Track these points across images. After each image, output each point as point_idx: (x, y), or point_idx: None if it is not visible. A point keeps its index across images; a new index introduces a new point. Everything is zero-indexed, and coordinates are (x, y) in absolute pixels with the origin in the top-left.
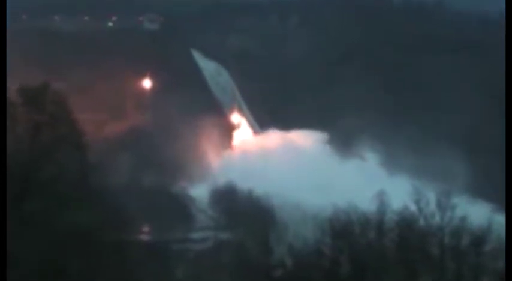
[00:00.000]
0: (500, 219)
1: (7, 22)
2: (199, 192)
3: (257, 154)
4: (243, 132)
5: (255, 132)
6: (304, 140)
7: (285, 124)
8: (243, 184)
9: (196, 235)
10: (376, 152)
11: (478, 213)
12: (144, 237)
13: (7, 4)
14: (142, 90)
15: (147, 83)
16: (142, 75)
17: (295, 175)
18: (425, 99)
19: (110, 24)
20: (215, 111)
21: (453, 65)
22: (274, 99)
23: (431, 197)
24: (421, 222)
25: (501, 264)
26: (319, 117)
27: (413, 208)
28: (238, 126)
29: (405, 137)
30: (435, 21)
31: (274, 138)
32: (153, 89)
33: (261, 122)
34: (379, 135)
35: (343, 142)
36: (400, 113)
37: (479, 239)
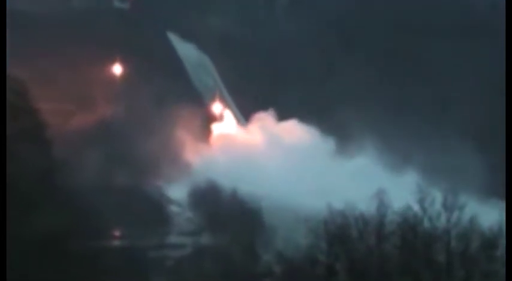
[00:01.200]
0: None
1: None
2: (178, 192)
3: (242, 149)
4: (226, 125)
5: (240, 125)
6: (296, 134)
7: (274, 116)
8: (227, 183)
9: (174, 241)
10: (376, 148)
11: (489, 213)
12: (117, 243)
13: None
14: (113, 78)
15: (117, 70)
16: (112, 61)
17: (285, 173)
18: (433, 89)
19: (75, 3)
20: (194, 101)
21: (464, 52)
22: (262, 89)
23: (436, 196)
24: (426, 224)
25: None
26: (313, 109)
27: (416, 208)
28: (221, 118)
29: (408, 131)
30: (443, 4)
31: (261, 131)
32: (125, 76)
33: (247, 113)
34: (379, 128)
35: (340, 136)
36: (403, 105)
37: (490, 243)
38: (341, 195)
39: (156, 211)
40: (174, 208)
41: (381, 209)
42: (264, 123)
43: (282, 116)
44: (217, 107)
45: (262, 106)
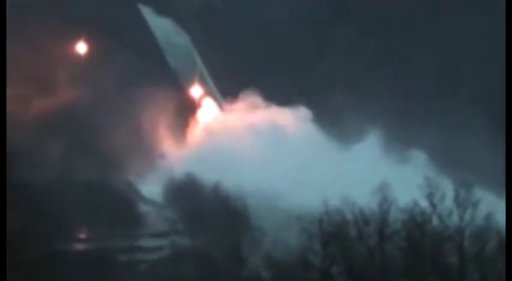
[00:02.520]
0: None
1: None
2: (152, 188)
3: (225, 138)
4: (207, 111)
5: (222, 111)
6: (287, 120)
7: (262, 101)
8: (208, 177)
9: (148, 242)
10: (377, 135)
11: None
12: (82, 246)
13: None
14: (76, 58)
15: (81, 48)
16: (76, 38)
17: (274, 166)
18: (442, 67)
19: None
20: (170, 84)
21: (475, 22)
22: (247, 70)
23: (447, 190)
24: (435, 222)
25: None
26: (306, 92)
27: (424, 204)
28: (200, 103)
29: (414, 114)
30: None
31: (247, 118)
32: (90, 56)
33: (230, 97)
34: (380, 112)
35: (336, 122)
36: (407, 84)
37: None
38: (338, 189)
39: (127, 210)
40: (147, 206)
41: (384, 205)
42: (250, 109)
43: (270, 101)
44: (196, 91)
45: (248, 90)
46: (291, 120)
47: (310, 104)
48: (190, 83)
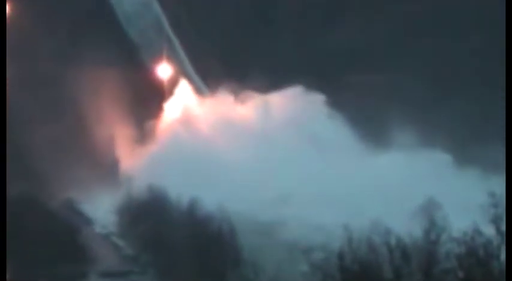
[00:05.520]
0: None
1: None
2: (102, 208)
3: (204, 137)
4: (180, 99)
5: (201, 96)
6: (286, 114)
7: (253, 86)
8: (180, 192)
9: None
10: (415, 132)
11: None
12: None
13: None
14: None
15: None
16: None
17: (271, 175)
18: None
19: None
20: (130, 63)
21: None
22: (235, 45)
23: None
24: (504, 257)
25: None
26: (312, 75)
27: (489, 231)
28: (172, 88)
29: (462, 105)
30: None
31: (235, 110)
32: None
33: (214, 82)
34: (415, 102)
35: (357, 113)
36: (449, 64)
37: None
38: (364, 209)
39: (67, 239)
40: (96, 234)
41: (431, 232)
42: (237, 97)
43: (262, 86)
44: (164, 70)
45: (235, 71)
46: (292, 113)
47: (319, 90)
48: (156, 61)
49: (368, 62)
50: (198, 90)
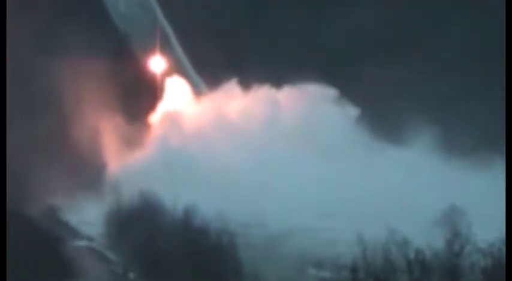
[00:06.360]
0: None
1: None
2: (88, 217)
3: (201, 137)
4: (174, 95)
5: (198, 93)
6: (293, 110)
7: (255, 78)
8: (174, 199)
9: None
10: (435, 131)
11: None
12: None
13: None
14: None
15: None
16: None
17: (276, 178)
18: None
19: None
20: (116, 53)
21: None
22: (235, 36)
23: None
24: None
25: None
26: (321, 68)
27: None
28: (165, 84)
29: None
30: None
31: (234, 105)
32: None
33: (211, 78)
34: (437, 93)
35: (369, 107)
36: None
37: None
38: (378, 218)
39: (48, 252)
40: (81, 246)
41: (454, 243)
42: (237, 94)
43: (265, 81)
44: (157, 65)
45: (234, 64)
46: (299, 112)
47: (330, 83)
48: (147, 51)
49: (385, 54)
50: (195, 87)
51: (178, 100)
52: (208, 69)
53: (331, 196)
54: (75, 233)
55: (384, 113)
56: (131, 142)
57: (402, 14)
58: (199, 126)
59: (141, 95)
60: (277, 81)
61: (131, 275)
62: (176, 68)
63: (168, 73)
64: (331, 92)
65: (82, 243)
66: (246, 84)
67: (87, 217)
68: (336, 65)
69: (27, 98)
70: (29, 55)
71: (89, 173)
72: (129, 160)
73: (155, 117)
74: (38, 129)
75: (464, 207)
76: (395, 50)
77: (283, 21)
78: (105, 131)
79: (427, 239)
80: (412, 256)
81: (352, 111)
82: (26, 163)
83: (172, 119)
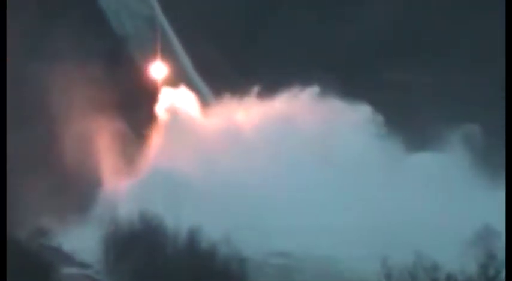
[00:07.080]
0: None
1: None
2: (82, 241)
3: (206, 150)
4: (177, 105)
5: (204, 103)
6: (305, 116)
7: (268, 87)
8: (177, 220)
9: None
10: (465, 137)
11: None
12: None
13: None
14: None
15: None
16: None
17: (288, 197)
18: None
19: None
20: (118, 62)
21: None
22: (245, 39)
23: None
24: None
25: None
26: (340, 75)
27: None
28: (167, 92)
29: None
30: None
31: (243, 117)
32: None
33: (218, 88)
34: (463, 98)
35: (385, 120)
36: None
37: None
38: (405, 240)
39: (39, 277)
40: (74, 273)
41: (488, 267)
42: (245, 104)
43: (273, 88)
44: (158, 71)
45: (242, 70)
46: (310, 124)
47: (342, 93)
48: (148, 56)
49: (405, 57)
50: (200, 95)
51: (182, 110)
52: (215, 76)
53: (350, 218)
54: (68, 259)
55: (410, 123)
56: (129, 156)
57: (422, 18)
58: (205, 140)
59: (140, 104)
60: (289, 89)
61: None
62: (179, 74)
63: (169, 80)
64: (352, 105)
65: (75, 270)
66: (257, 93)
67: (81, 241)
68: (354, 72)
69: (16, 107)
70: (20, 61)
71: (82, 191)
72: (126, 177)
73: (157, 130)
74: (27, 142)
75: (500, 227)
76: (413, 55)
77: (295, 23)
78: (100, 145)
79: (459, 263)
80: None
81: (374, 123)
82: (13, 179)
83: (175, 131)
